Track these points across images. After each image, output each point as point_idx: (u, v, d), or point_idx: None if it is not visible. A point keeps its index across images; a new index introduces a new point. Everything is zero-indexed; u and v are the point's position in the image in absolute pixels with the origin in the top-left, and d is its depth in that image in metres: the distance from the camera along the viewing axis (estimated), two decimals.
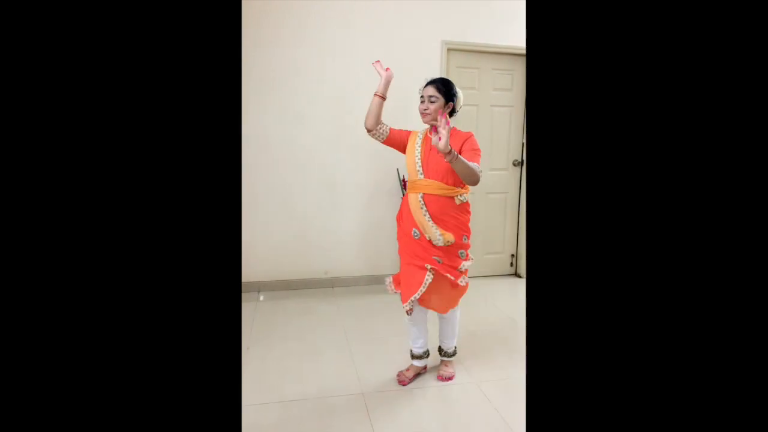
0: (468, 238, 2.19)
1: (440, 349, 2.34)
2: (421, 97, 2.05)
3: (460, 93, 2.09)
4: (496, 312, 3.21)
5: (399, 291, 2.16)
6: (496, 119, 3.76)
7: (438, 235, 2.03)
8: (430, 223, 2.04)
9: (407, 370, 2.28)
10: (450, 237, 2.05)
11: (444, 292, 2.13)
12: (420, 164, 2.05)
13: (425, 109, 2.02)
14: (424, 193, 2.03)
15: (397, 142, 2.15)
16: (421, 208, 2.03)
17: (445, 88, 2.03)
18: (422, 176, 2.04)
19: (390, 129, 2.13)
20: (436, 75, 3.47)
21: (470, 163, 1.84)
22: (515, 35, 3.60)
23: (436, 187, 2.02)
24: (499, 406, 2.07)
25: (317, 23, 3.28)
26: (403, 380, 2.23)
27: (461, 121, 3.67)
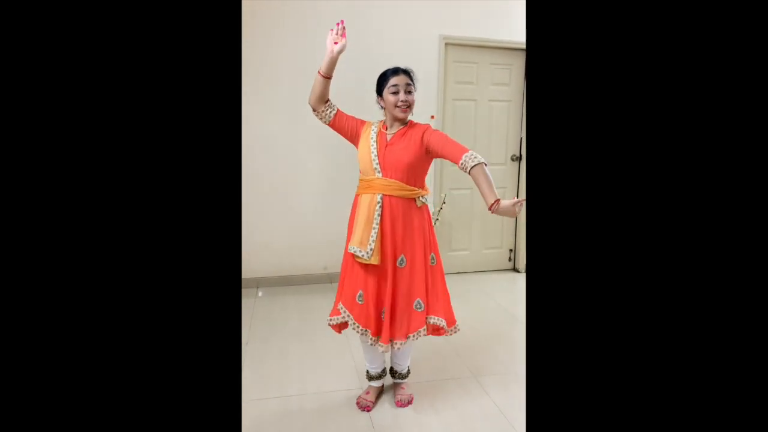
0: (436, 257, 1.91)
1: (392, 371, 2.08)
2: (394, 86, 1.79)
3: None
4: (494, 306, 3.21)
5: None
6: (495, 114, 3.76)
7: (370, 247, 1.77)
8: (375, 229, 1.78)
9: (366, 393, 2.05)
10: (377, 258, 1.79)
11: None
12: (377, 161, 1.80)
13: (405, 101, 1.78)
14: (383, 194, 1.79)
15: (346, 128, 1.88)
16: (377, 210, 1.78)
17: (413, 75, 1.84)
18: (380, 175, 1.80)
19: (338, 112, 1.87)
20: (434, 70, 3.49)
21: (489, 181, 1.66)
22: (514, 29, 3.59)
23: (396, 187, 1.78)
24: (499, 400, 2.08)
25: (315, 20, 3.27)
26: (367, 406, 1.99)
27: (458, 115, 3.67)
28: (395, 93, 1.79)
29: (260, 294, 3.33)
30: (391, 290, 1.82)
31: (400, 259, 1.83)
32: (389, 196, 1.79)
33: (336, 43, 1.74)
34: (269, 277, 3.46)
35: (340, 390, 2.13)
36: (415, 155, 1.78)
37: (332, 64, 1.79)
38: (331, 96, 1.84)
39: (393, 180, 1.79)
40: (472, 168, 1.67)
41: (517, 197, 3.86)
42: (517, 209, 1.59)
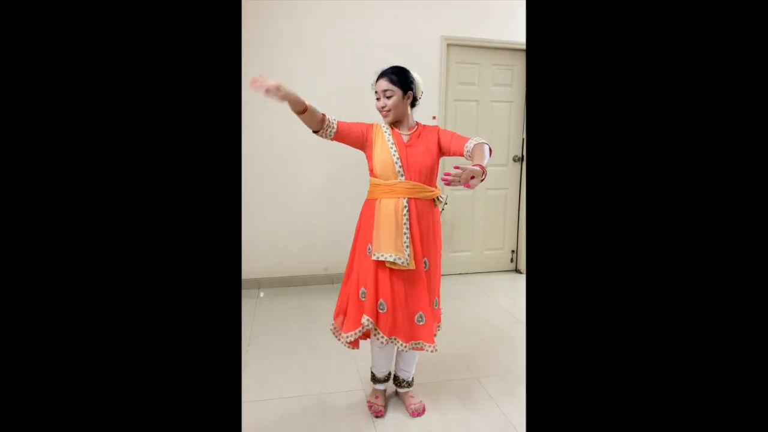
0: (439, 259, 1.89)
1: (397, 379, 2.01)
2: (375, 92, 1.79)
3: (418, 78, 1.83)
4: (496, 308, 3.21)
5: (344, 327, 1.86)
6: (496, 115, 3.75)
7: (407, 253, 1.73)
8: (406, 234, 1.74)
9: (376, 398, 1.99)
10: (414, 263, 1.75)
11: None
12: (401, 164, 1.76)
13: (383, 107, 1.77)
14: (409, 198, 1.76)
15: (351, 137, 1.80)
16: (405, 214, 1.74)
17: (398, 77, 1.76)
18: (403, 178, 1.76)
19: (338, 125, 1.77)
20: (436, 71, 3.49)
21: (483, 152, 1.62)
22: (516, 30, 3.58)
23: (420, 190, 1.77)
24: (500, 401, 2.07)
25: (316, 20, 3.27)
26: (379, 410, 1.95)
27: (460, 116, 3.66)
28: (378, 99, 1.80)
29: (261, 295, 3.33)
30: (421, 293, 1.79)
31: (424, 261, 1.81)
32: (414, 199, 1.77)
33: (267, 90, 1.54)
34: (270, 278, 3.46)
35: (341, 391, 2.13)
36: (435, 157, 1.80)
37: (291, 102, 1.62)
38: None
39: (416, 183, 1.77)
40: (473, 147, 1.68)
41: (519, 199, 3.89)
42: (465, 175, 1.41)
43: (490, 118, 3.74)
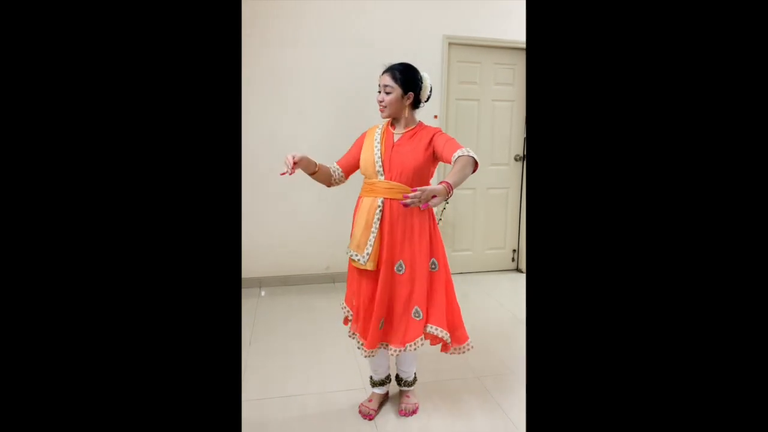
0: (439, 263, 1.79)
1: (398, 378, 2.03)
2: (378, 86, 1.78)
3: (427, 80, 1.78)
4: (497, 307, 3.21)
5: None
6: (498, 114, 3.75)
7: (367, 251, 1.74)
8: (374, 234, 1.73)
9: (369, 400, 1.98)
10: (373, 264, 1.74)
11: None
12: (380, 163, 1.75)
13: (380, 101, 1.75)
14: (385, 198, 1.74)
15: (355, 164, 1.87)
16: (377, 214, 1.73)
17: (403, 75, 1.72)
18: (383, 177, 1.75)
19: (339, 167, 1.88)
20: (438, 70, 3.49)
21: (462, 166, 1.55)
22: (517, 29, 3.58)
23: (399, 190, 1.71)
24: (501, 400, 2.07)
25: (319, 19, 3.27)
26: (369, 414, 1.92)
27: (462, 115, 3.66)
28: (379, 92, 1.77)
29: (263, 294, 3.34)
30: (389, 297, 1.76)
31: (398, 264, 1.76)
32: (391, 199, 1.73)
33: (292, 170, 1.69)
34: (272, 277, 3.47)
35: (342, 390, 2.13)
36: (423, 159, 1.73)
37: (304, 167, 1.77)
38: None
39: (396, 183, 1.73)
40: (456, 160, 1.59)
41: (521, 198, 3.89)
42: (424, 196, 1.38)
43: (491, 117, 3.73)
